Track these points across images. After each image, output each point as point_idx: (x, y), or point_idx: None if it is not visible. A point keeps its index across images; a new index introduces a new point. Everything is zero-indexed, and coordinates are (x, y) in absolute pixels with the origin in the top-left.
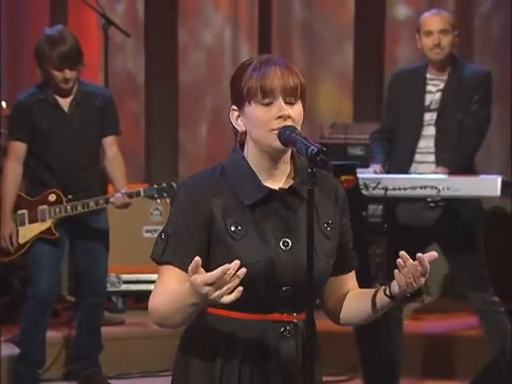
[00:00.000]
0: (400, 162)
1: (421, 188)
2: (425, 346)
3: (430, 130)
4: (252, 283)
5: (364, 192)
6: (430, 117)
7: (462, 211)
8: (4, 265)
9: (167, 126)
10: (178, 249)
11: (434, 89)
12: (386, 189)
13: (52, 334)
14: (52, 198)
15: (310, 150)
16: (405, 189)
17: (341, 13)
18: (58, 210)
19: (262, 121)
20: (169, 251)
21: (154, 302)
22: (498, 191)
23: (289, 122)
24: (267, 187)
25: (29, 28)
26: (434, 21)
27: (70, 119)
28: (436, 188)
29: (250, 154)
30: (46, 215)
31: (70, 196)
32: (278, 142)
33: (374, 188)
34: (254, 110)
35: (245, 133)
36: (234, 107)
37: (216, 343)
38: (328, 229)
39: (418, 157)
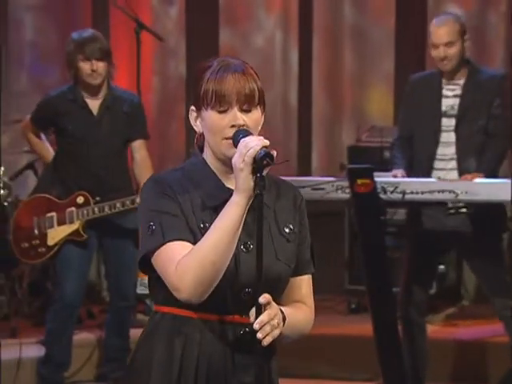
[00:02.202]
0: (420, 168)
1: (439, 192)
2: (457, 352)
3: (449, 137)
4: (217, 284)
5: (382, 196)
6: (447, 122)
7: (484, 216)
8: (38, 267)
9: None
10: (173, 225)
11: (451, 93)
12: (403, 193)
13: (85, 336)
14: (80, 200)
15: (257, 153)
16: (422, 193)
17: (389, 15)
18: (85, 212)
19: (216, 128)
20: (167, 231)
21: (181, 266)
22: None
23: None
24: (230, 189)
25: None
26: (438, 34)
27: (99, 122)
28: (454, 192)
29: (209, 156)
30: (74, 217)
31: (97, 198)
32: (230, 151)
33: (391, 192)
34: (210, 115)
35: (203, 134)
36: (193, 108)
37: (172, 343)
38: (288, 232)
39: (437, 163)
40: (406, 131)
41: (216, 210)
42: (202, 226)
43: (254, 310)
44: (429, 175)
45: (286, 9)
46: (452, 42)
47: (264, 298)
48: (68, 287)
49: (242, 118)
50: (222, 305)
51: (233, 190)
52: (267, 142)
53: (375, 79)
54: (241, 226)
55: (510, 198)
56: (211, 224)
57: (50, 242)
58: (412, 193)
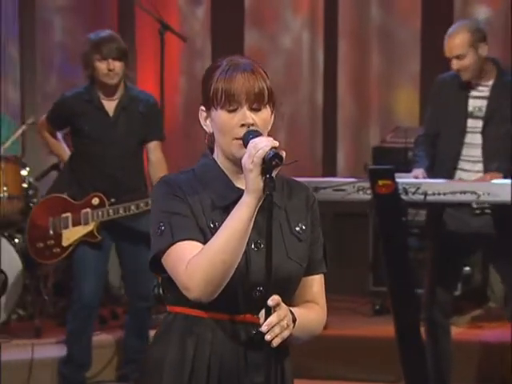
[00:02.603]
0: (442, 167)
1: (460, 193)
2: (482, 354)
3: (474, 138)
4: (227, 283)
5: (403, 197)
6: (473, 124)
7: (508, 217)
8: (62, 268)
9: None
10: (183, 225)
11: (478, 94)
12: (425, 194)
13: (108, 337)
14: (95, 201)
15: (266, 154)
16: (444, 194)
17: (415, 16)
18: (100, 213)
19: (226, 127)
20: (176, 231)
21: (191, 266)
22: None
23: (253, 129)
24: (240, 188)
25: None
26: (448, 47)
27: (115, 123)
28: (476, 193)
29: (219, 156)
30: (89, 218)
31: (112, 199)
32: (240, 152)
33: (413, 193)
34: (220, 115)
35: (213, 134)
36: (203, 108)
37: (184, 343)
38: (299, 231)
39: (462, 164)
40: (432, 129)
41: (226, 209)
42: (212, 225)
43: (263, 311)
44: (451, 175)
45: (313, 10)
46: (462, 54)
47: (273, 300)
48: (85, 288)
49: (251, 117)
50: (233, 304)
51: (243, 190)
52: (276, 143)
53: (402, 80)
54: (250, 226)
55: None
56: (221, 224)
57: (65, 243)
58: (434, 194)
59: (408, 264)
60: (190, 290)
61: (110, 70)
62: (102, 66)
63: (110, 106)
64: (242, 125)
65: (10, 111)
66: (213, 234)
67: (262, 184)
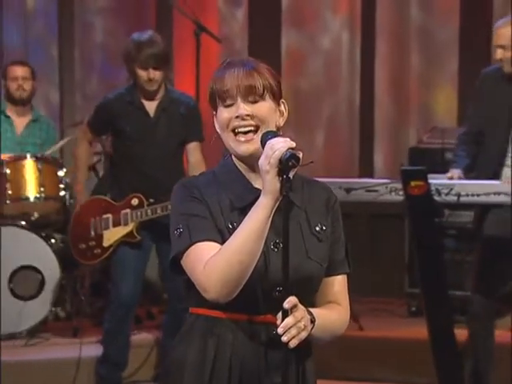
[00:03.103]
0: (489, 165)
1: (494, 194)
2: None
3: None
4: (245, 284)
5: (436, 198)
6: None
7: None
8: (99, 268)
9: None
10: (201, 226)
11: None
12: (458, 195)
13: (144, 337)
14: (134, 202)
15: (282, 155)
16: (478, 195)
17: (454, 15)
18: (139, 213)
19: (224, 121)
20: (194, 232)
21: (208, 266)
22: None
23: (250, 121)
24: (258, 189)
25: None
26: (496, 35)
27: (155, 124)
28: (510, 195)
29: (234, 158)
30: (129, 219)
31: (151, 200)
32: (238, 147)
33: (446, 194)
34: (220, 112)
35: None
36: (214, 113)
37: (205, 344)
38: (320, 232)
39: (509, 161)
40: (475, 126)
41: (244, 210)
42: (230, 226)
43: (280, 313)
44: (498, 172)
45: (352, 10)
46: (504, 45)
47: (288, 302)
48: (123, 287)
49: (245, 109)
50: (253, 305)
51: (260, 191)
52: (293, 144)
53: (440, 80)
54: (267, 227)
55: None
56: (239, 224)
57: (106, 244)
58: (467, 195)
59: (441, 265)
60: (208, 291)
61: (150, 79)
62: (142, 74)
63: (150, 106)
64: (237, 116)
65: (50, 112)
66: (231, 235)
67: (278, 185)
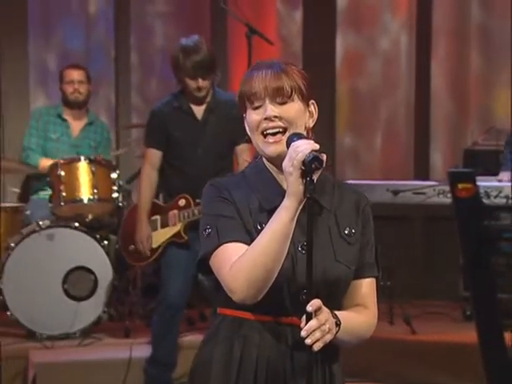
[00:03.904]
0: None
1: None
2: None
3: None
4: (272, 286)
5: (485, 201)
6: None
7: None
8: (151, 270)
9: (325, 131)
10: (229, 227)
11: None
12: (508, 198)
13: (196, 338)
14: (182, 202)
15: (306, 157)
16: None
17: None
18: (186, 214)
19: (253, 124)
20: (222, 233)
21: (235, 267)
22: None
23: (278, 123)
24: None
25: None
26: None
27: (203, 127)
28: None
29: (264, 159)
30: (176, 220)
31: (197, 200)
32: (267, 148)
33: (495, 197)
34: (249, 115)
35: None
36: (244, 115)
37: (231, 345)
38: (349, 235)
39: None
40: None
41: (273, 212)
42: (259, 227)
43: (304, 316)
44: None
45: (411, 11)
46: None
47: (312, 305)
48: (171, 288)
49: (273, 110)
50: (280, 306)
51: None
52: (317, 146)
53: (501, 80)
54: (292, 229)
55: None
56: None
57: (154, 245)
58: None
59: (489, 269)
60: (234, 292)
61: (198, 88)
62: (190, 82)
63: (198, 109)
64: (265, 118)
65: (108, 113)
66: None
67: (302, 187)
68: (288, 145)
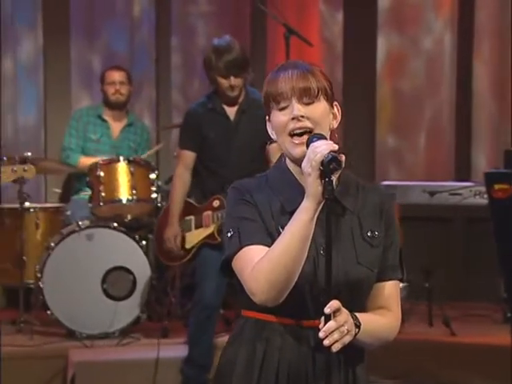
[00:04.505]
0: None
1: None
2: None
3: None
4: (294, 288)
5: None
6: None
7: None
8: (190, 270)
9: (365, 131)
10: (251, 230)
11: None
12: None
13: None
14: (216, 203)
15: (324, 157)
16: None
17: None
18: (219, 215)
19: (280, 125)
20: (244, 236)
21: (255, 269)
22: None
23: (305, 123)
24: None
25: None
26: None
27: (236, 127)
28: None
29: (287, 161)
30: (210, 220)
31: None
32: (295, 149)
33: None
34: (274, 116)
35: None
36: (267, 117)
37: (254, 347)
38: (371, 237)
39: None
40: None
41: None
42: (281, 230)
43: (323, 317)
44: None
45: (455, 10)
46: None
47: (330, 307)
48: (206, 289)
49: (300, 110)
50: (302, 309)
51: None
52: (336, 147)
53: None
54: (311, 230)
55: None
56: None
57: (188, 245)
58: None
59: None
60: (255, 294)
61: (231, 86)
62: (223, 81)
63: (231, 110)
64: (292, 118)
65: (150, 114)
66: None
67: (320, 188)
68: (308, 145)
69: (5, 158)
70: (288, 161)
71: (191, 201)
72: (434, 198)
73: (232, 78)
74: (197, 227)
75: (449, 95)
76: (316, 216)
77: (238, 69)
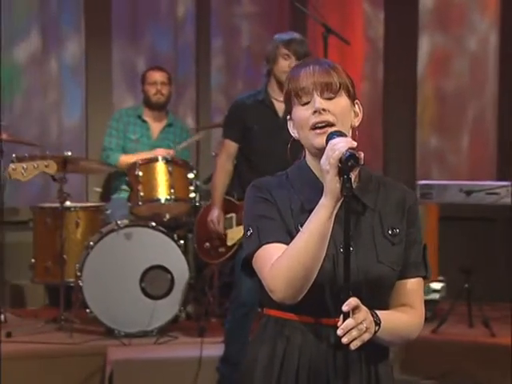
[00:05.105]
0: None
1: None
2: None
3: None
4: (314, 286)
5: None
6: None
7: None
8: (229, 269)
9: (406, 130)
10: (269, 228)
11: None
12: None
13: None
14: None
15: (342, 155)
16: None
17: None
18: None
19: (303, 120)
20: (263, 234)
21: (274, 267)
22: None
23: (327, 116)
24: None
25: None
26: None
27: (282, 123)
28: None
29: (308, 157)
30: None
31: None
32: (318, 141)
33: None
34: (296, 111)
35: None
36: (288, 116)
37: (275, 345)
38: (393, 234)
39: None
40: None
41: None
42: (300, 228)
43: (342, 315)
44: None
45: (499, 10)
46: None
47: (348, 305)
48: (243, 287)
49: (322, 103)
50: (322, 307)
51: None
52: (354, 144)
53: None
54: (329, 228)
55: None
56: None
57: (229, 242)
58: None
59: None
60: (274, 292)
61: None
62: (284, 64)
63: (280, 106)
64: (315, 111)
65: (193, 115)
66: None
67: (339, 185)
68: (327, 142)
69: (26, 155)
70: (308, 158)
71: (231, 198)
72: (470, 198)
73: (294, 58)
74: (238, 224)
75: (492, 95)
76: (334, 213)
77: (304, 55)
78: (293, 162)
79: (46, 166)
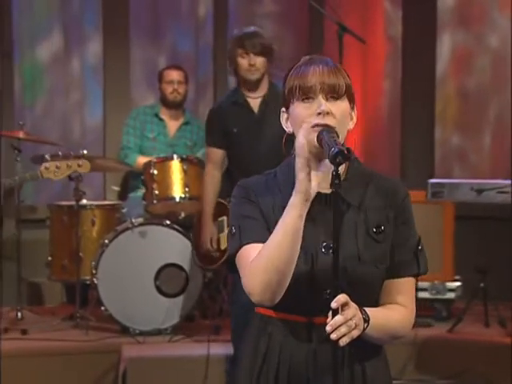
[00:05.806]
0: None
1: None
2: None
3: None
4: (294, 285)
5: None
6: None
7: None
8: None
9: (423, 126)
10: (251, 228)
11: None
12: None
13: None
14: None
15: (330, 151)
16: None
17: None
18: None
19: (302, 117)
20: (244, 234)
21: (249, 269)
22: None
23: (329, 119)
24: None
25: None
26: None
27: (260, 120)
28: None
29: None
30: None
31: None
32: (313, 135)
33: None
34: (296, 107)
35: (292, 134)
36: (283, 109)
37: (258, 341)
38: (378, 232)
39: None
40: None
41: None
42: None
43: (330, 312)
44: None
45: None
46: None
47: (336, 301)
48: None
49: (327, 105)
50: (304, 306)
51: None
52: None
53: None
54: (300, 227)
55: None
56: None
57: (223, 246)
58: None
59: None
60: (251, 294)
61: (251, 65)
62: (243, 62)
63: (254, 103)
64: (319, 113)
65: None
66: None
67: (309, 184)
68: (318, 139)
69: (60, 153)
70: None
71: (222, 201)
72: (481, 196)
73: (251, 55)
74: None
75: None
76: (305, 213)
77: (260, 48)
78: (286, 155)
79: (80, 166)
